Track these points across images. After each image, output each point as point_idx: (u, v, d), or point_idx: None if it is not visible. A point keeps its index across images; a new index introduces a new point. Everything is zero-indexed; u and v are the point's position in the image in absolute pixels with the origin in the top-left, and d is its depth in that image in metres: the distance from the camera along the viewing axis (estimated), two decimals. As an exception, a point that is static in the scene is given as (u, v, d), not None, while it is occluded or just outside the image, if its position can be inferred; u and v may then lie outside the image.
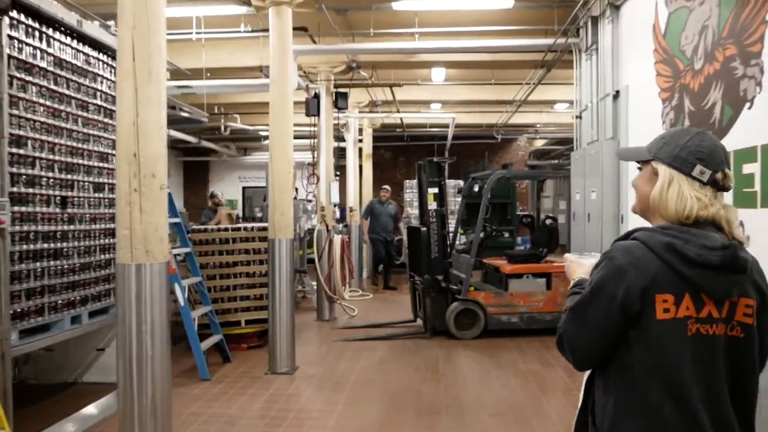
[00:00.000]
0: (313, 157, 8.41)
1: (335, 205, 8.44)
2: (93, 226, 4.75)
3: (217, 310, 6.37)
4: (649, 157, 1.47)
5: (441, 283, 7.06)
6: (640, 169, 1.53)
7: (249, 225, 6.75)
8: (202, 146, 15.38)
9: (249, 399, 4.87)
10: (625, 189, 5.41)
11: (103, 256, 4.89)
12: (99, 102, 4.85)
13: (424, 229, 7.10)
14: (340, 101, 8.28)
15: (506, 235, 10.43)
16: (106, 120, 4.91)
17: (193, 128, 13.69)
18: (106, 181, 4.92)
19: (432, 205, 7.15)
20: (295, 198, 11.49)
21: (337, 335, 7.26)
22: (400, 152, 16.81)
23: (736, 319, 1.36)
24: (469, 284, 7.00)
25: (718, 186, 1.40)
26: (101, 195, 4.87)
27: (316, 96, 8.14)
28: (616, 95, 5.48)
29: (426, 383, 5.27)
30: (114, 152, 4.71)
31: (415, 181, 12.78)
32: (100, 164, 4.86)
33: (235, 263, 6.51)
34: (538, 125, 14.15)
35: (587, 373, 1.53)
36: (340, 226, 10.65)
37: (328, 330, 7.64)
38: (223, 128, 13.32)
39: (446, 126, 13.27)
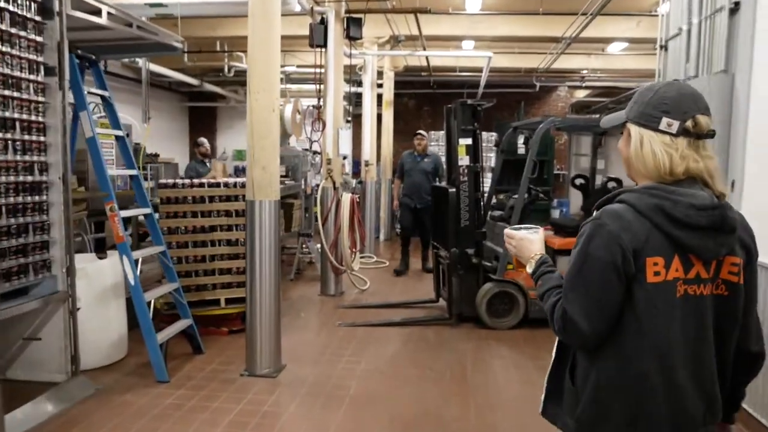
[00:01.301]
0: (319, 99, 6.92)
1: (345, 158, 6.97)
2: (-9, 179, 3.41)
3: (190, 286, 5.09)
4: (624, 119, 1.46)
5: (472, 258, 5.65)
6: (621, 133, 1.51)
7: (231, 180, 5.34)
8: (208, 90, 13.93)
9: (210, 418, 3.58)
10: (739, 144, 3.86)
11: (13, 220, 3.56)
12: None
13: (453, 190, 5.63)
14: (352, 29, 6.71)
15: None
16: None
17: (194, 68, 12.22)
18: (15, 116, 3.54)
19: (463, 160, 5.66)
20: (305, 150, 10.19)
21: (341, 317, 5.94)
22: (424, 100, 15.13)
23: (722, 277, 1.39)
24: (507, 261, 5.57)
25: (692, 134, 1.37)
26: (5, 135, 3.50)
27: (323, 22, 6.58)
28: (735, 8, 3.87)
29: (450, 403, 3.91)
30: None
31: (441, 133, 11.27)
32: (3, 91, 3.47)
33: (213, 228, 5.16)
34: (584, 71, 12.30)
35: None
36: (354, 182, 9.21)
37: (331, 309, 6.32)
38: (227, 69, 11.85)
39: (479, 70, 11.55)
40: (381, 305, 6.45)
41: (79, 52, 4.27)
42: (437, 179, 7.85)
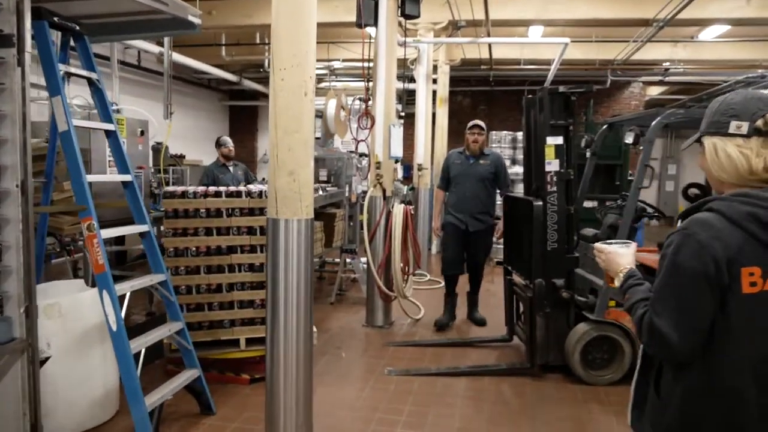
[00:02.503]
0: (367, 91, 5.77)
1: (397, 161, 5.80)
2: None
3: (202, 323, 4.01)
4: (698, 136, 1.48)
5: (561, 291, 4.38)
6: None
7: (256, 188, 4.23)
8: (249, 88, 13.04)
9: None
10: None
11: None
12: None
13: (539, 203, 4.37)
14: (408, 4, 5.52)
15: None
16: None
17: (233, 63, 11.32)
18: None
19: (552, 165, 4.39)
20: (350, 152, 9.09)
21: (391, 359, 4.77)
22: (480, 99, 13.82)
23: None
24: (608, 296, 4.27)
25: (764, 133, 1.36)
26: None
27: (374, -4, 5.43)
28: None
29: None
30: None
31: (505, 134, 9.95)
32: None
33: (233, 249, 4.06)
34: (666, 63, 10.72)
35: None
36: (405, 188, 8.02)
37: (380, 347, 5.14)
38: (267, 63, 10.88)
39: (547, 63, 10.17)
40: (440, 343, 5.23)
41: (56, 20, 3.24)
42: (497, 188, 5.69)
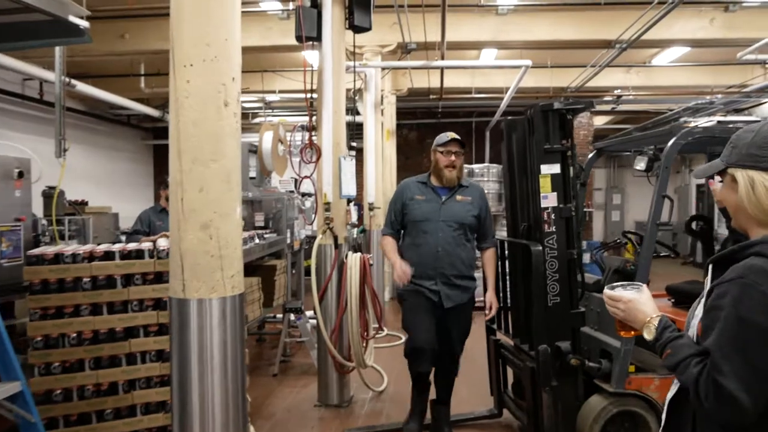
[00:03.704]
0: (311, 118, 4.79)
1: (350, 201, 4.81)
2: None
3: (87, 440, 2.79)
4: (722, 166, 1.40)
5: (569, 357, 3.45)
6: (720, 182, 1.46)
7: (165, 244, 3.10)
8: (174, 125, 11.78)
9: None
10: None
11: None
12: None
13: (538, 248, 3.46)
14: (357, 14, 4.63)
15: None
16: None
17: (154, 97, 10.10)
18: None
19: (548, 199, 3.51)
20: (292, 192, 8.04)
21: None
22: (428, 132, 13.12)
23: None
24: (628, 361, 3.38)
25: None
26: None
27: (316, 4, 4.52)
28: None
29: None
30: None
31: (475, 168, 9.03)
32: None
33: (132, 332, 2.90)
34: (618, 91, 10.37)
35: (672, 392, 1.47)
36: (356, 231, 6.99)
37: (337, 439, 4.03)
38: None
39: (498, 91, 9.60)
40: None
41: None
42: (481, 236, 3.89)
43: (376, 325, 4.94)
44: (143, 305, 2.92)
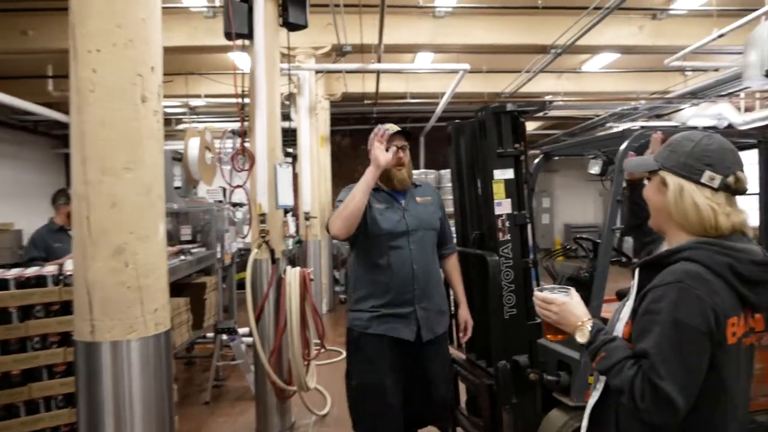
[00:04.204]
0: (242, 123, 4.40)
1: (287, 211, 4.46)
2: None
3: None
4: (656, 166, 1.43)
5: (527, 371, 3.26)
6: (648, 179, 1.49)
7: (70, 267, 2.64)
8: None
9: None
10: None
11: None
12: None
13: (495, 258, 3.25)
14: (292, 11, 4.30)
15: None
16: None
17: (64, 101, 9.25)
18: None
19: (502, 206, 3.32)
20: (220, 202, 7.55)
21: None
22: (361, 138, 12.79)
23: (751, 325, 1.39)
24: (587, 373, 3.24)
25: (731, 190, 1.37)
26: None
27: (245, -1, 4.15)
28: None
29: None
30: None
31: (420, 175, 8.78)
32: None
33: (33, 375, 2.43)
34: (549, 96, 10.54)
35: (593, 399, 1.49)
36: (291, 242, 6.60)
37: (282, 474, 3.66)
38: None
39: (433, 96, 9.50)
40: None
41: None
42: (442, 241, 3.11)
43: (318, 343, 4.63)
44: (46, 342, 2.45)
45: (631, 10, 6.53)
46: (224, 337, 5.24)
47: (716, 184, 1.36)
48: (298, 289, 4.24)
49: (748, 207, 1.57)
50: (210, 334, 5.62)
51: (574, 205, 17.33)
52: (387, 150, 2.75)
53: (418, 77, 9.41)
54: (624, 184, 2.09)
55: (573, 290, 1.52)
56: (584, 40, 6.51)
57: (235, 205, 6.44)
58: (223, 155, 4.66)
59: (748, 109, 9.90)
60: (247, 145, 4.35)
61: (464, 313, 3.14)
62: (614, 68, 9.01)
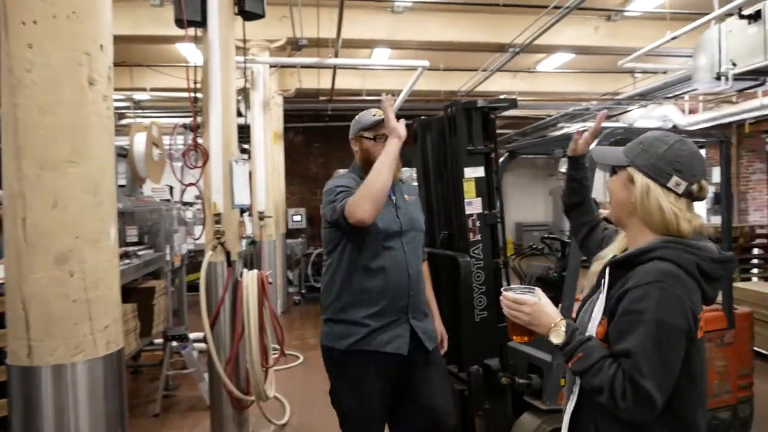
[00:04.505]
0: (195, 117, 4.13)
1: (244, 211, 4.22)
2: None
3: None
4: (626, 162, 1.45)
5: (498, 375, 3.17)
6: (613, 172, 1.52)
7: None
8: None
9: None
10: None
11: None
12: None
13: (466, 259, 3.14)
14: (248, -1, 4.06)
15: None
16: None
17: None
18: None
19: (473, 205, 3.21)
20: (167, 200, 7.18)
21: None
22: (314, 136, 12.64)
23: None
24: (560, 375, 3.18)
25: (693, 197, 1.41)
26: None
27: (198, -16, 3.88)
28: None
29: None
30: None
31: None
32: None
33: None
34: (503, 96, 10.61)
35: (572, 404, 1.47)
36: (244, 242, 6.33)
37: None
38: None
39: (391, 93, 9.35)
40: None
41: None
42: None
43: (277, 349, 4.42)
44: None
45: (588, 11, 6.59)
46: (174, 344, 4.95)
47: (680, 190, 1.39)
48: (256, 293, 4.02)
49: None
50: (159, 340, 5.30)
51: (525, 204, 17.61)
52: (375, 139, 2.53)
53: (375, 74, 9.26)
54: (564, 159, 2.04)
55: (539, 290, 1.49)
56: (541, 39, 6.53)
57: (185, 204, 6.12)
58: (174, 151, 4.36)
59: (692, 111, 10.25)
60: (200, 140, 4.09)
61: (439, 326, 2.84)
62: (568, 68, 9.12)
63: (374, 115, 2.56)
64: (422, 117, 3.76)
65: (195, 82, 4.13)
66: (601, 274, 1.51)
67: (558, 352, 1.44)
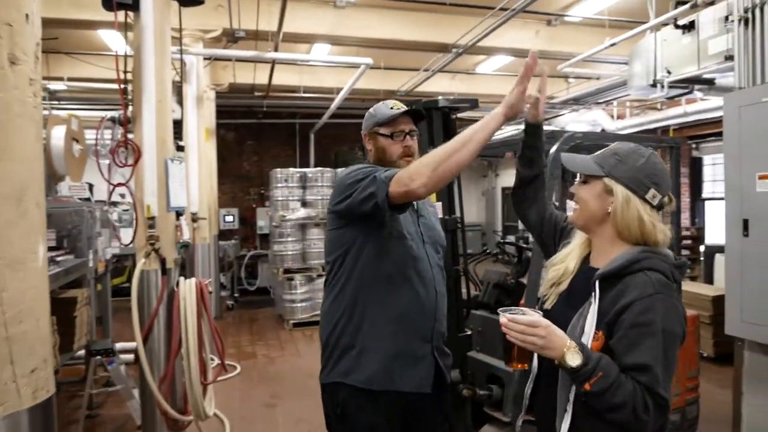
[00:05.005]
0: (125, 109, 3.74)
1: (180, 214, 3.87)
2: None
3: None
4: (601, 173, 1.45)
5: (459, 386, 3.05)
6: (584, 181, 1.51)
7: None
8: None
9: None
10: None
11: None
12: None
13: (428, 267, 2.97)
14: (187, -19, 3.72)
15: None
16: None
17: None
18: None
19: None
20: (87, 199, 6.62)
21: None
22: (248, 133, 12.14)
23: None
24: (525, 386, 3.08)
25: (661, 208, 1.46)
26: None
27: (129, -38, 3.51)
28: None
29: None
30: None
31: (293, 171, 8.35)
32: None
33: None
34: (440, 97, 10.59)
35: (566, 424, 1.40)
36: (177, 246, 5.91)
37: None
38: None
39: (329, 91, 9.13)
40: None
41: None
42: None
43: (217, 362, 4.11)
44: None
45: (529, 15, 6.63)
46: (98, 359, 4.50)
47: (655, 201, 1.42)
48: (195, 304, 3.70)
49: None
50: (81, 352, 4.82)
51: (466, 206, 17.79)
52: (392, 137, 2.09)
53: (313, 70, 8.99)
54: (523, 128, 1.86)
55: (529, 310, 1.41)
56: (484, 41, 6.52)
57: (113, 203, 5.62)
58: (101, 147, 3.93)
59: (620, 117, 10.66)
60: (130, 136, 3.71)
61: None
62: (506, 71, 9.22)
63: (391, 108, 2.13)
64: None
65: (125, 72, 3.76)
66: (584, 286, 1.46)
67: (570, 374, 1.33)
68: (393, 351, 1.93)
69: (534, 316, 1.37)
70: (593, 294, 1.41)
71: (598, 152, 1.52)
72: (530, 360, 1.49)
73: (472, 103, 3.25)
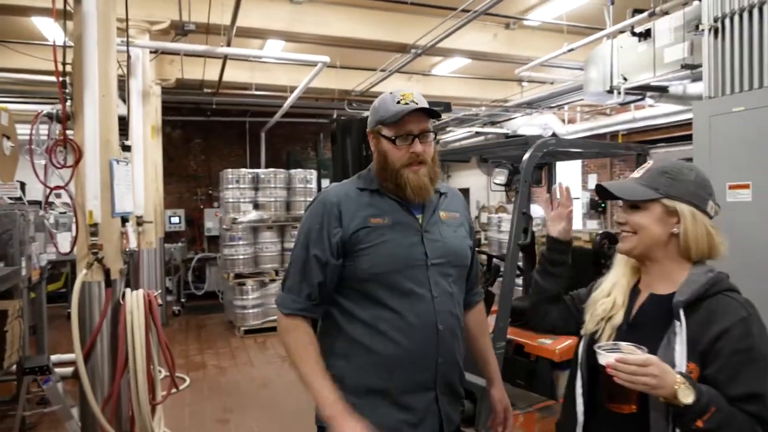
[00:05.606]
0: (64, 105, 3.41)
1: (126, 221, 3.57)
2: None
3: None
4: (657, 195, 1.40)
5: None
6: (633, 206, 1.43)
7: None
8: None
9: None
10: None
11: None
12: None
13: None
14: (134, -33, 3.40)
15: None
16: None
17: None
18: None
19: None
20: (19, 200, 6.12)
21: None
22: (195, 131, 11.66)
23: None
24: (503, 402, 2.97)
25: (712, 219, 1.41)
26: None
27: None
28: None
29: None
30: None
31: (245, 172, 7.99)
32: None
33: None
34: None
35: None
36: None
37: None
38: None
39: (282, 90, 8.84)
40: None
41: None
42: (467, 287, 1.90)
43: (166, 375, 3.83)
44: None
45: (488, 17, 6.60)
46: (33, 378, 4.11)
47: (713, 212, 1.40)
48: (143, 318, 3.41)
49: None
50: (12, 371, 4.40)
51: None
52: (395, 141, 1.66)
53: (266, 67, 8.68)
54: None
55: (629, 345, 1.29)
56: (442, 42, 6.44)
57: (50, 204, 5.21)
58: (37, 146, 3.57)
59: (570, 121, 10.85)
60: (70, 134, 3.39)
61: (501, 395, 2.01)
62: (462, 74, 9.20)
63: (398, 102, 1.67)
64: (342, 117, 3.39)
65: (64, 64, 3.43)
66: (654, 316, 1.39)
67: (681, 412, 1.23)
68: (380, 404, 1.66)
69: (642, 354, 1.25)
70: (677, 323, 1.32)
71: (639, 176, 1.44)
72: (638, 401, 1.36)
73: (445, 106, 3.12)
